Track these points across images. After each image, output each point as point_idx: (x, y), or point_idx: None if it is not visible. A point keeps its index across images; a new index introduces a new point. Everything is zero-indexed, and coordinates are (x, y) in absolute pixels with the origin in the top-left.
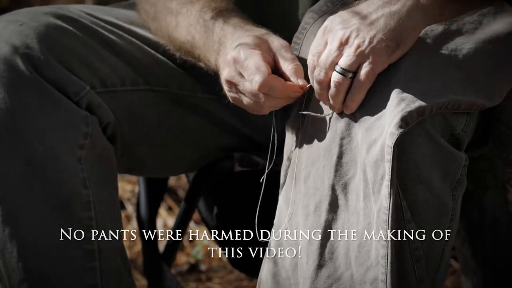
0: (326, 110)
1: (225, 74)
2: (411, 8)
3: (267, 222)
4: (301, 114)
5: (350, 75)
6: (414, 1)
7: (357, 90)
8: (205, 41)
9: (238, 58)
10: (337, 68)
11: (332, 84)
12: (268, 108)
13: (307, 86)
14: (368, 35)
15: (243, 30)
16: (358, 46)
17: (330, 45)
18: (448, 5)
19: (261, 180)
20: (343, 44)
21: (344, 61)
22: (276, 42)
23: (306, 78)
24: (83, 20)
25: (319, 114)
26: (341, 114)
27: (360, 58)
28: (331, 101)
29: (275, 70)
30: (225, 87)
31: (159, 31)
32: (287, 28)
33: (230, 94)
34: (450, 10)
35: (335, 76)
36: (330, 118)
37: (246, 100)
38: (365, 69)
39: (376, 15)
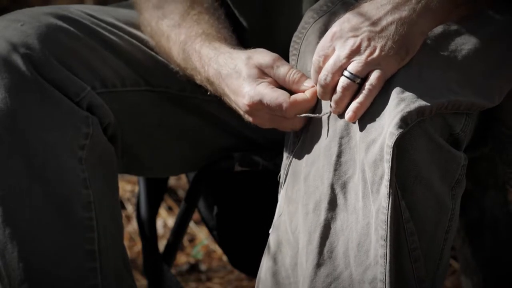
0: (325, 109)
1: (252, 120)
2: (420, 13)
3: (268, 221)
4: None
5: (359, 80)
6: (424, 5)
7: (365, 96)
8: (196, 76)
9: (254, 104)
10: (346, 73)
11: (338, 89)
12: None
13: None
14: (379, 44)
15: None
16: (369, 55)
17: (339, 51)
18: (454, 9)
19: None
20: (353, 52)
21: (354, 67)
22: (263, 62)
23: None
24: (83, 20)
25: (317, 115)
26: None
27: (371, 65)
28: (333, 105)
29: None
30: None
31: (157, 51)
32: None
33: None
34: (456, 14)
35: (343, 81)
36: (328, 117)
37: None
38: (375, 75)
39: (386, 21)
